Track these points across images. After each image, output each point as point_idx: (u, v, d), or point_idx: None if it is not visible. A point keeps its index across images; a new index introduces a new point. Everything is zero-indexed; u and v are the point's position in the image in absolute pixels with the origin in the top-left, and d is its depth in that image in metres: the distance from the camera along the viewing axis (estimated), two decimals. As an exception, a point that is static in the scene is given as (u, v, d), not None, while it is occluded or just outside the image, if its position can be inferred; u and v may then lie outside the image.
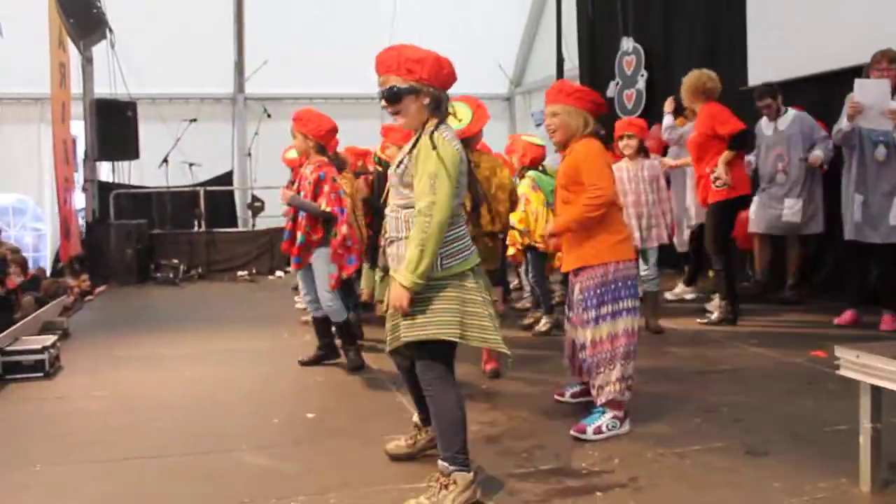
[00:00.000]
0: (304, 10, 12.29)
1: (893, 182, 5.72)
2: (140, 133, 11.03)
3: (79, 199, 11.77)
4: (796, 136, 6.62)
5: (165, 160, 11.10)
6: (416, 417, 3.61)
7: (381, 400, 4.62)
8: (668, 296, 7.59)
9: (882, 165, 5.73)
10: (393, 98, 3.04)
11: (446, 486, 3.01)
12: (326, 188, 5.02)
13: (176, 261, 10.70)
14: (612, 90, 10.85)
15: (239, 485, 3.38)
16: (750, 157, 6.91)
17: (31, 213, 16.10)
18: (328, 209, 5.01)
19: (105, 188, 11.50)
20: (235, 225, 12.51)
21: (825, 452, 3.47)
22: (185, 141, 11.57)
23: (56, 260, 11.31)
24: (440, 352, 3.04)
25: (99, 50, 10.96)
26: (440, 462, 3.07)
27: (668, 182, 6.74)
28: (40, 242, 14.55)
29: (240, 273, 10.91)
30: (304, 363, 5.44)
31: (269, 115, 11.89)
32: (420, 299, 2.98)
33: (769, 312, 6.80)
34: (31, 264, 10.99)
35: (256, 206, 11.47)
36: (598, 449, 3.65)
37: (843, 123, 5.76)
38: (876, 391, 2.96)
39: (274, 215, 9.58)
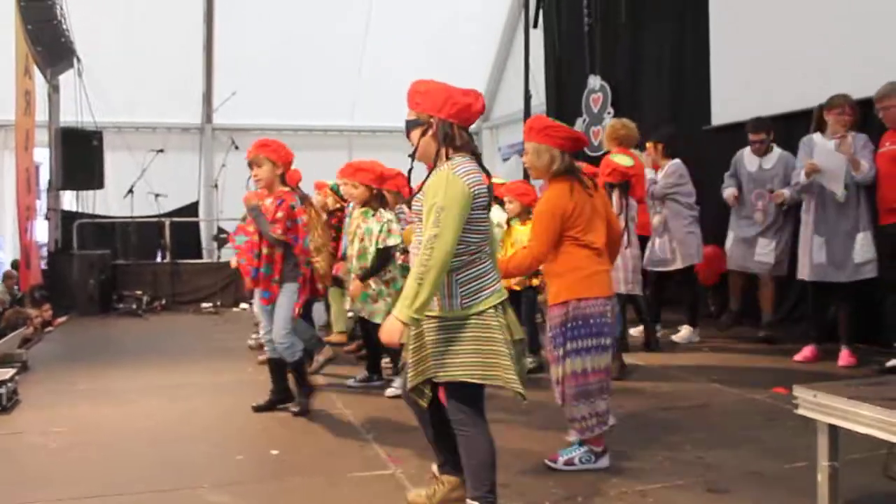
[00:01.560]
0: (273, 42, 12.35)
1: (853, 222, 5.87)
2: (106, 162, 10.96)
3: (40, 228, 11.64)
4: (780, 176, 6.74)
5: (131, 190, 11.01)
6: (434, 467, 3.51)
7: (347, 437, 4.59)
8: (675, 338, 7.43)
9: (841, 206, 5.87)
10: (406, 130, 3.13)
11: None
12: (280, 215, 4.82)
13: (139, 292, 10.57)
14: (578, 126, 11.01)
15: (200, 524, 3.34)
16: (730, 190, 7.03)
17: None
18: (281, 236, 4.85)
19: (69, 217, 11.36)
20: (200, 256, 12.40)
21: (785, 490, 3.52)
22: (151, 171, 11.51)
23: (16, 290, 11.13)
24: (470, 392, 3.03)
25: (66, 78, 10.89)
26: (469, 501, 3.07)
27: None
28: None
29: (204, 305, 10.80)
30: (257, 409, 5.16)
31: (236, 147, 11.86)
32: (444, 339, 3.00)
33: (731, 348, 6.91)
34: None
35: (222, 238, 11.38)
36: (561, 486, 3.66)
37: (801, 178, 5.90)
38: (833, 430, 3.01)
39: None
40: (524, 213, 5.85)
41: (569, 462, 3.88)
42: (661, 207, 7.16)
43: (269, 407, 5.19)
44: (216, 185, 12.08)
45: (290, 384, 5.24)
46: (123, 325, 9.63)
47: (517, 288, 5.83)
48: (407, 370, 3.19)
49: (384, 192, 5.57)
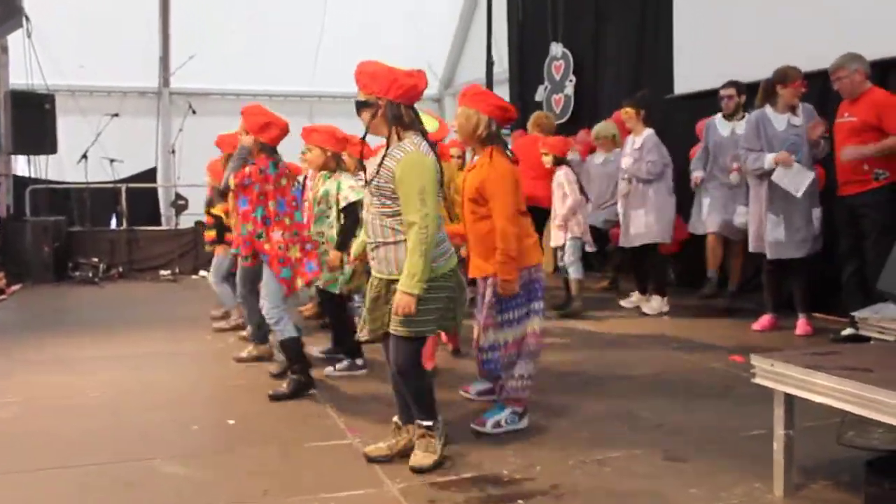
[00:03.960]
0: (232, 4, 12.07)
1: (809, 199, 5.91)
2: (59, 126, 10.67)
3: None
4: (741, 139, 6.69)
5: (85, 156, 10.74)
6: (395, 419, 3.70)
7: (305, 407, 4.54)
8: (623, 303, 7.61)
9: None
10: (357, 110, 3.38)
11: (431, 436, 3.47)
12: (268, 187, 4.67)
13: (96, 259, 10.35)
14: (540, 94, 10.98)
15: (154, 496, 3.28)
16: (697, 174, 7.06)
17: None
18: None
19: (21, 183, 11.06)
20: (158, 223, 12.16)
21: (741, 457, 3.54)
22: (106, 135, 11.23)
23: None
24: (420, 342, 3.37)
25: (15, 38, 10.54)
26: (418, 421, 3.50)
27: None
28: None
29: (162, 272, 10.63)
30: (275, 397, 4.68)
31: (193, 112, 11.61)
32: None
33: (690, 317, 6.97)
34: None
35: (180, 205, 11.18)
36: (519, 456, 3.66)
37: (766, 163, 5.88)
38: (789, 399, 3.03)
39: (197, 213, 9.37)
40: None
41: (496, 424, 3.98)
42: (629, 178, 7.15)
43: (292, 394, 4.71)
44: (173, 151, 11.82)
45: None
46: (79, 293, 9.45)
47: None
48: (363, 321, 3.55)
49: (342, 155, 5.42)
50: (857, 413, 2.72)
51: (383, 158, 3.29)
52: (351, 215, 5.12)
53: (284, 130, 4.71)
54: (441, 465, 3.46)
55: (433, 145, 3.39)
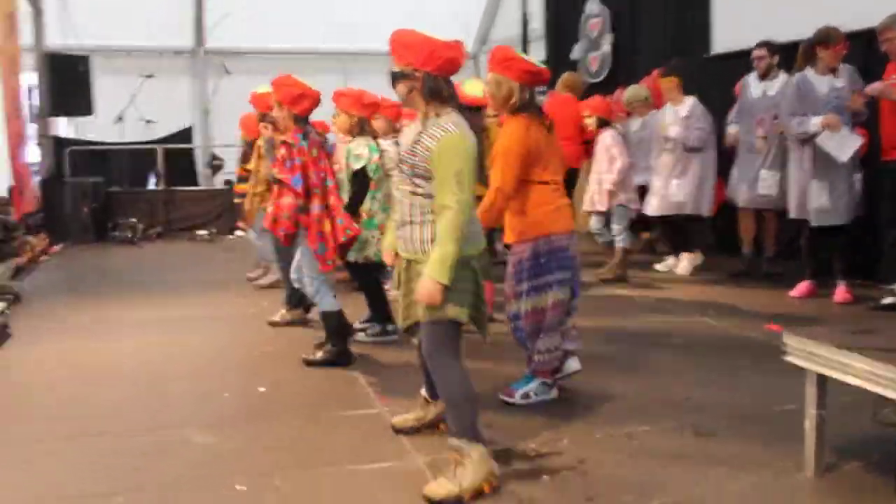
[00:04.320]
0: (267, -38, 11.96)
1: (851, 163, 5.75)
2: (95, 88, 10.74)
3: (33, 154, 11.48)
4: (779, 103, 6.52)
5: (120, 118, 10.81)
6: (423, 391, 3.61)
7: (336, 375, 4.56)
8: (659, 267, 7.56)
9: None
10: (391, 81, 3.14)
11: (462, 463, 3.01)
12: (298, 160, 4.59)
13: (134, 220, 10.50)
14: (576, 52, 10.76)
15: (184, 465, 3.33)
16: (731, 128, 6.89)
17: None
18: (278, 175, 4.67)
19: (60, 144, 11.19)
20: (195, 183, 12.24)
21: (772, 434, 3.50)
22: (142, 96, 11.29)
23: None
24: (450, 330, 3.08)
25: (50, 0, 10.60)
26: (451, 440, 3.06)
27: None
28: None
29: (199, 233, 10.74)
30: (309, 363, 4.75)
31: (228, 72, 11.61)
32: None
33: (727, 281, 6.87)
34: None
35: (216, 165, 11.27)
36: (547, 427, 3.65)
37: (812, 126, 5.69)
38: (821, 379, 2.97)
39: (233, 170, 9.41)
40: None
41: (525, 395, 3.98)
42: (673, 149, 7.01)
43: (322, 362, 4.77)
44: (207, 111, 11.83)
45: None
46: (118, 253, 9.60)
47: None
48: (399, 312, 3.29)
49: (368, 120, 5.36)
50: (891, 397, 2.65)
51: (420, 136, 3.06)
52: (358, 183, 5.10)
53: (316, 101, 4.64)
54: (460, 501, 2.92)
55: (477, 110, 3.23)
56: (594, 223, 7.20)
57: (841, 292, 5.98)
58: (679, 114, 7.02)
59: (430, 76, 3.05)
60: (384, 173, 5.28)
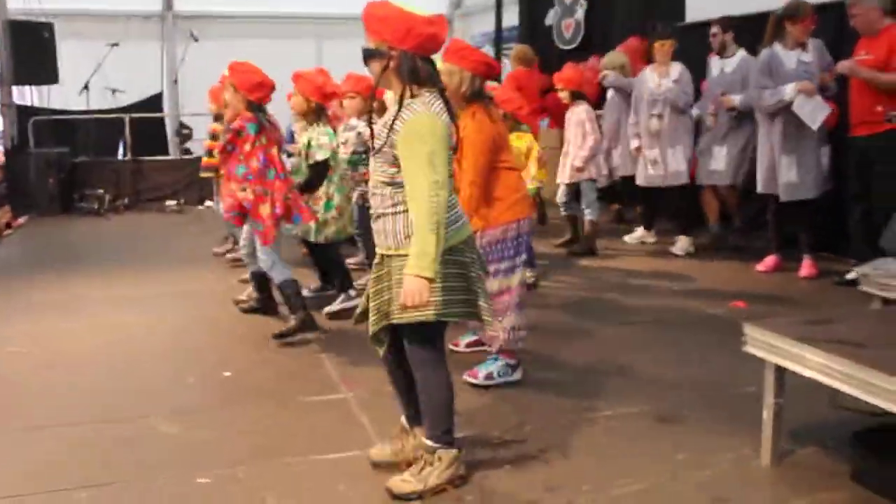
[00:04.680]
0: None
1: (818, 136, 5.78)
2: (60, 55, 10.50)
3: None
4: (737, 82, 6.55)
5: (86, 86, 10.59)
6: (403, 420, 3.21)
7: (302, 358, 4.56)
8: (627, 239, 7.59)
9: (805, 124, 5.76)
10: (364, 59, 2.89)
11: (431, 464, 2.95)
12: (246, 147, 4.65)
13: (101, 190, 10.33)
14: (550, 18, 10.67)
15: (150, 457, 3.31)
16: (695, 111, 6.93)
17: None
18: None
19: (24, 113, 10.95)
20: (166, 152, 12.03)
21: (732, 418, 3.54)
22: (108, 63, 11.04)
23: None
24: (431, 332, 2.91)
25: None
26: (425, 440, 2.99)
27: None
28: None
29: (168, 203, 10.61)
30: (243, 310, 5.39)
31: (195, 39, 11.38)
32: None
33: (695, 254, 6.91)
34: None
35: (185, 134, 11.09)
36: (512, 413, 3.67)
37: (787, 94, 5.68)
38: (780, 369, 2.99)
39: (201, 137, 9.27)
40: (514, 124, 5.62)
41: (488, 377, 4.02)
42: (661, 114, 6.96)
43: (251, 311, 5.37)
44: (176, 81, 11.62)
45: (272, 295, 5.26)
46: (85, 226, 9.47)
47: None
48: (368, 316, 2.98)
49: (326, 107, 5.37)
50: (847, 392, 2.68)
51: (393, 122, 2.78)
52: (315, 171, 5.15)
53: (272, 90, 4.73)
54: (420, 499, 2.90)
55: (448, 103, 2.91)
56: (561, 195, 7.18)
57: (807, 266, 6.05)
58: (672, 77, 6.95)
59: (407, 55, 2.77)
60: (350, 155, 5.34)
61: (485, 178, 3.87)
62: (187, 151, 11.15)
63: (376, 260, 2.99)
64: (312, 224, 5.23)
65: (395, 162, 2.81)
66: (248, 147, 4.60)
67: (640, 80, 7.19)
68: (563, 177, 7.07)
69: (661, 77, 6.95)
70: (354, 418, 3.65)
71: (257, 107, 4.69)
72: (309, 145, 5.14)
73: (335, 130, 5.45)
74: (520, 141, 5.70)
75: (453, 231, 2.86)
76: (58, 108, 11.26)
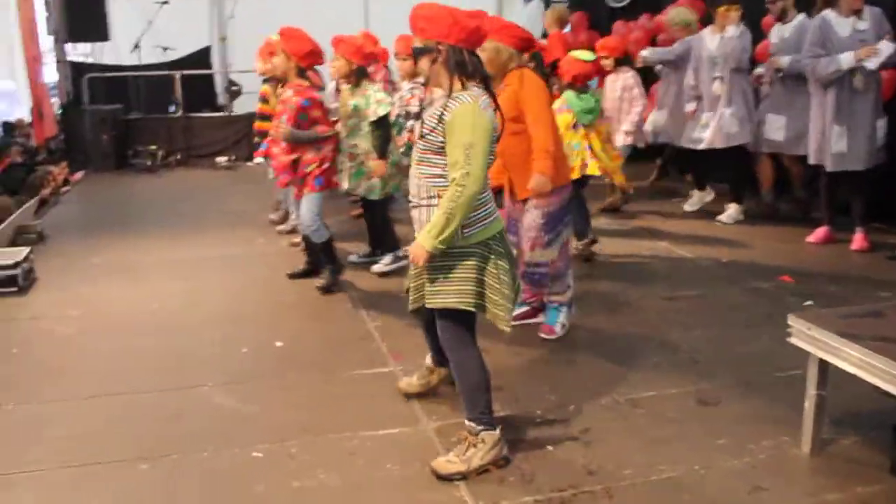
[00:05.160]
0: None
1: (873, 107, 5.66)
2: (112, 12, 10.63)
3: (50, 75, 11.45)
4: (791, 47, 6.38)
5: (137, 45, 10.72)
6: (428, 360, 3.70)
7: (352, 328, 4.67)
8: (687, 207, 7.45)
9: (860, 94, 5.64)
10: (413, 58, 3.12)
11: (475, 445, 3.08)
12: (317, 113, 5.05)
13: (154, 147, 10.53)
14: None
15: (202, 430, 3.46)
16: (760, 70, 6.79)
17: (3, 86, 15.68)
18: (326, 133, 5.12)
19: (78, 70, 11.14)
20: (216, 108, 12.13)
21: (774, 403, 3.57)
22: (158, 21, 11.13)
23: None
24: (461, 317, 3.07)
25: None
26: (466, 422, 3.13)
27: None
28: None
29: (218, 159, 10.77)
30: (291, 276, 5.57)
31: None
32: (443, 266, 3.01)
33: (747, 221, 6.84)
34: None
35: (234, 90, 11.19)
36: (555, 391, 3.75)
37: (845, 63, 5.53)
38: (823, 361, 3.01)
39: (251, 91, 9.37)
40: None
41: (563, 326, 4.40)
42: (722, 76, 6.78)
43: (302, 275, 5.56)
44: (223, 38, 11.69)
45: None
46: (138, 182, 9.69)
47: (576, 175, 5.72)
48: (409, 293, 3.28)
49: (367, 68, 5.49)
50: (888, 390, 2.70)
51: (443, 112, 2.94)
52: (382, 128, 5.26)
53: (322, 57, 4.90)
54: (464, 479, 3.01)
55: (494, 96, 3.09)
56: None
57: (859, 239, 5.96)
58: (729, 34, 6.71)
59: (454, 49, 2.96)
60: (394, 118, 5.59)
61: (554, 133, 4.08)
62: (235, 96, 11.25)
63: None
64: (377, 181, 5.38)
65: (438, 150, 2.98)
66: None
67: (698, 41, 7.06)
68: (612, 141, 6.99)
69: (720, 36, 6.80)
70: (399, 394, 3.75)
71: (304, 73, 4.93)
72: (367, 104, 5.22)
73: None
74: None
75: (480, 228, 3.01)
76: (110, 65, 11.42)
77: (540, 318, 4.52)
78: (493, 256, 3.04)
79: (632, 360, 4.12)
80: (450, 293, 3.01)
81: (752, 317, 4.71)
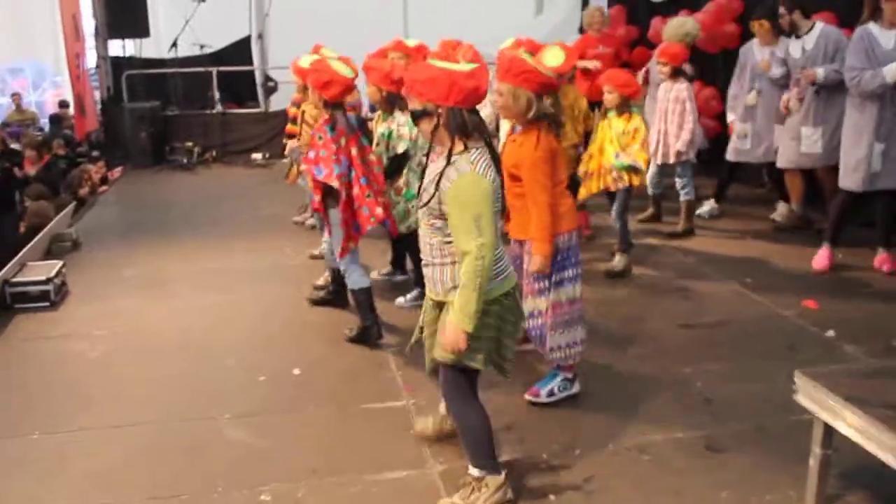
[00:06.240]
0: None
1: None
2: (151, 9, 10.78)
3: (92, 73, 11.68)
4: (819, 57, 6.25)
5: (175, 43, 10.85)
6: (442, 407, 3.66)
7: (370, 355, 4.72)
8: (700, 212, 7.45)
9: None
10: (413, 121, 3.08)
11: (478, 489, 3.15)
12: (322, 153, 4.57)
13: (190, 143, 10.70)
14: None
15: (214, 467, 3.55)
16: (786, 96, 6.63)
17: (50, 78, 16.03)
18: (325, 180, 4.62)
19: (118, 66, 11.33)
20: (256, 103, 12.20)
21: (783, 451, 3.54)
22: (197, 17, 11.25)
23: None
24: (465, 371, 3.11)
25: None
26: (470, 468, 3.19)
27: None
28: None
29: (254, 156, 10.91)
30: (313, 302, 5.49)
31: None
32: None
33: (774, 238, 6.75)
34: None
35: (270, 87, 11.29)
36: (563, 432, 3.76)
37: (889, 75, 5.37)
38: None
39: (286, 81, 9.40)
40: (623, 106, 5.58)
41: (550, 393, 4.07)
42: (760, 89, 6.82)
43: (322, 303, 5.45)
44: (260, 37, 11.78)
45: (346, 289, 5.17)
46: (174, 181, 9.87)
47: (612, 189, 5.74)
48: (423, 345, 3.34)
49: (399, 93, 5.29)
50: (887, 462, 2.67)
51: (440, 179, 2.92)
52: (394, 162, 5.13)
53: (347, 87, 4.56)
54: None
55: (495, 153, 3.07)
56: (653, 174, 7.06)
57: (886, 260, 5.84)
58: (777, 54, 6.72)
59: (453, 111, 2.92)
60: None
61: (550, 191, 3.83)
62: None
63: (427, 302, 3.23)
64: (394, 213, 5.18)
65: (441, 215, 2.96)
66: (323, 153, 4.55)
67: (746, 51, 7.05)
68: (659, 156, 6.87)
69: (767, 52, 6.78)
70: (410, 431, 3.79)
71: (334, 105, 4.61)
72: (390, 135, 5.14)
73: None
74: (627, 123, 5.60)
75: (496, 284, 3.02)
76: (150, 59, 11.59)
77: (526, 346, 4.37)
78: (503, 312, 3.07)
79: (643, 398, 4.11)
80: (466, 350, 3.01)
81: (770, 348, 4.66)
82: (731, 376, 4.33)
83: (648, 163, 5.59)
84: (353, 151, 4.60)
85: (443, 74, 2.91)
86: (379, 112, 5.36)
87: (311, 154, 4.58)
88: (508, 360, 3.19)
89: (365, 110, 6.72)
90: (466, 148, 2.95)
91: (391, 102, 5.19)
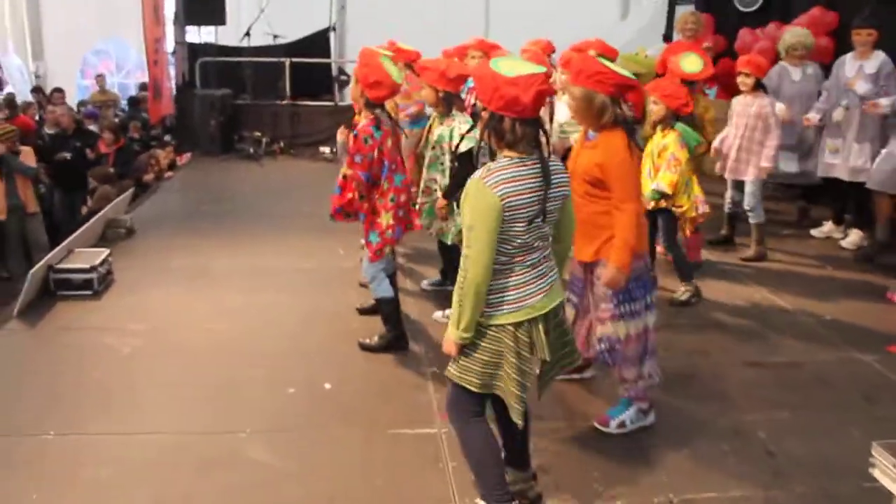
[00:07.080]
0: None
1: None
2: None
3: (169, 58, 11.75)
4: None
5: (248, 33, 10.82)
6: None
7: (406, 373, 4.46)
8: (814, 233, 7.19)
9: None
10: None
11: None
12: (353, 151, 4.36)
13: (258, 133, 10.64)
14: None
15: (229, 487, 3.35)
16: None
17: (135, 60, 16.28)
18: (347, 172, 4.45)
19: (194, 52, 11.36)
20: (331, 96, 12.07)
21: (851, 525, 3.15)
22: (272, 7, 11.20)
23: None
24: (467, 393, 2.93)
25: None
26: (478, 501, 3.07)
27: None
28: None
29: (322, 149, 10.78)
30: (362, 311, 5.25)
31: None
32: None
33: (860, 269, 6.23)
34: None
35: (342, 80, 11.16)
36: (603, 481, 3.43)
37: None
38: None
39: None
40: (669, 119, 5.09)
41: (621, 424, 3.81)
42: (849, 106, 6.43)
43: (371, 311, 5.12)
44: (334, 28, 11.65)
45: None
46: (239, 171, 9.80)
47: (651, 207, 5.24)
48: None
49: (457, 93, 4.98)
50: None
51: None
52: (463, 164, 4.73)
53: (393, 91, 4.35)
54: None
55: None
56: (732, 193, 6.62)
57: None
58: (865, 69, 6.32)
59: (494, 115, 2.76)
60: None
61: (637, 196, 3.58)
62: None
63: None
64: (451, 224, 4.98)
65: None
66: (369, 157, 4.30)
67: (838, 65, 6.66)
68: (739, 173, 6.38)
69: (859, 67, 6.38)
70: (438, 463, 3.53)
71: (377, 106, 4.40)
72: (451, 136, 4.84)
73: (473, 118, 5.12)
74: (662, 138, 5.15)
75: (503, 312, 2.80)
76: (225, 46, 11.59)
77: (586, 374, 4.24)
78: (516, 345, 2.80)
79: (697, 445, 3.73)
80: (458, 366, 2.90)
81: (845, 399, 4.21)
82: (798, 428, 3.91)
83: (676, 185, 5.10)
84: (394, 154, 4.45)
85: (489, 76, 2.75)
86: (434, 115, 5.07)
87: (358, 158, 4.32)
88: (516, 397, 2.83)
89: (409, 111, 6.41)
90: (509, 153, 2.79)
91: (449, 102, 4.91)
